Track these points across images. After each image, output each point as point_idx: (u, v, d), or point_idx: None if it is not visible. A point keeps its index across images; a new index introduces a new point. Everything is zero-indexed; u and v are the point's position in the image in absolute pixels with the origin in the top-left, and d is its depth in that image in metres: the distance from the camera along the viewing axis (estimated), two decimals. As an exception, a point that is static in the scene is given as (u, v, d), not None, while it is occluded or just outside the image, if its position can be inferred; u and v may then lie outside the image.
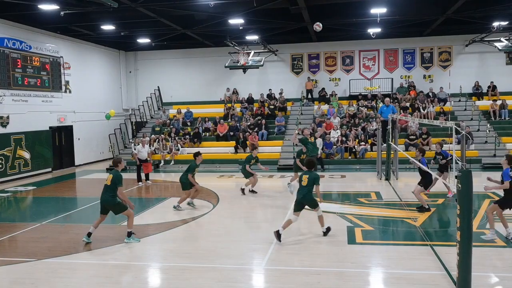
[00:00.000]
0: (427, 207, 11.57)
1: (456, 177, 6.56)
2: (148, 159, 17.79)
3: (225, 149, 22.56)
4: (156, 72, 28.44)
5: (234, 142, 22.44)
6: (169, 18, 20.12)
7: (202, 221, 11.41)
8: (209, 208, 12.75)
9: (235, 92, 27.32)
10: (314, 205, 9.43)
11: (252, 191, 14.72)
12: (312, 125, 22.61)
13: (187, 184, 12.34)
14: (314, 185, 9.35)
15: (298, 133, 15.47)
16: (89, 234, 9.43)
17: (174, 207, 12.47)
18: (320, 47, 26.72)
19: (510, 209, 9.10)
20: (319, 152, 20.48)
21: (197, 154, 12.54)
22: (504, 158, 9.15)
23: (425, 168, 11.14)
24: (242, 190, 14.70)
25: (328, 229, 9.56)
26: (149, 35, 24.15)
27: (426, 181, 11.63)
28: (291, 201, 13.38)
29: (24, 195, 16.28)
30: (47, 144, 21.03)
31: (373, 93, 25.75)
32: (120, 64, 28.50)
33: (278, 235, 9.09)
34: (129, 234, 9.48)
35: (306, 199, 9.35)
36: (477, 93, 24.77)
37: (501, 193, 13.71)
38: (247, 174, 14.58)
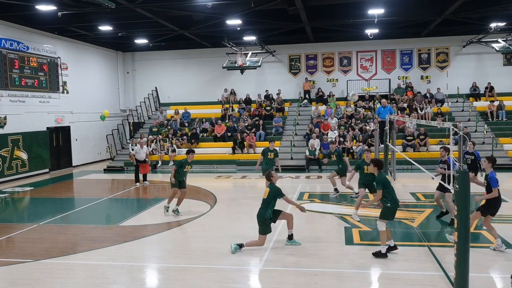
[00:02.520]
0: (444, 210, 10.85)
1: (453, 177, 6.57)
2: (146, 159, 17.77)
3: (223, 149, 22.56)
4: (154, 73, 28.42)
5: (232, 143, 22.43)
6: (167, 19, 20.10)
7: (200, 221, 11.40)
8: (207, 208, 12.74)
9: (232, 92, 27.32)
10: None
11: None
12: (310, 126, 22.66)
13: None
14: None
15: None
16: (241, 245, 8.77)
17: None
18: (318, 48, 26.74)
19: (493, 216, 8.59)
20: (316, 153, 20.53)
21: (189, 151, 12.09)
22: (486, 161, 8.57)
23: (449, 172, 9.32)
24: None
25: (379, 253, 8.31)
26: (147, 35, 24.13)
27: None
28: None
29: (22, 195, 16.24)
30: (44, 145, 20.99)
31: (370, 94, 25.78)
32: (117, 64, 28.47)
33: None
34: (291, 237, 9.07)
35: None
36: (475, 94, 24.81)
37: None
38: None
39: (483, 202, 8.60)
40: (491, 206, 8.46)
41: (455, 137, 17.66)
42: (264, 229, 8.66)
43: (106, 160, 24.68)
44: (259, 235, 8.68)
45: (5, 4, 16.88)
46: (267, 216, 8.63)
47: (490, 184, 8.29)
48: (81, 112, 24.00)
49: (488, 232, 9.01)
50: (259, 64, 22.45)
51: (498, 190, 8.28)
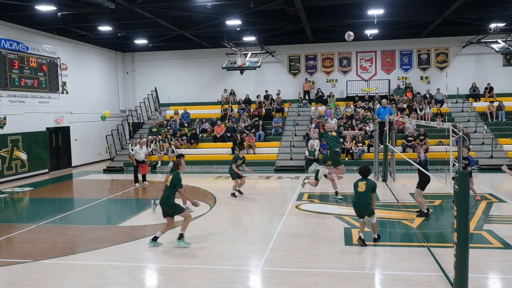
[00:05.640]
0: (425, 211, 11.19)
1: (453, 178, 6.57)
2: (145, 160, 17.75)
3: (222, 150, 22.55)
4: (153, 73, 28.42)
5: (231, 143, 22.42)
6: (166, 19, 20.11)
7: (199, 222, 11.39)
8: (206, 209, 12.73)
9: (232, 93, 27.32)
10: (370, 214, 9.01)
11: (239, 191, 14.45)
12: (309, 126, 22.64)
13: (234, 174, 14.13)
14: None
15: (316, 126, 15.49)
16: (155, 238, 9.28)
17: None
18: (317, 48, 26.75)
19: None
20: (316, 154, 20.50)
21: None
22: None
23: (421, 168, 10.79)
24: (233, 194, 14.34)
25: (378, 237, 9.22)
26: (146, 36, 24.13)
27: (423, 181, 11.04)
28: (288, 202, 13.41)
29: (21, 196, 16.23)
30: (44, 145, 20.97)
31: (370, 94, 25.78)
32: (117, 65, 28.47)
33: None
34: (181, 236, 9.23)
35: (364, 208, 9.02)
36: (474, 94, 24.82)
37: (499, 194, 13.79)
38: (234, 175, 14.23)
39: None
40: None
41: (455, 138, 17.66)
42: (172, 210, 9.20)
43: (106, 161, 24.66)
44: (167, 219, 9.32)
45: (5, 4, 16.89)
46: (171, 202, 9.14)
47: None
48: (81, 112, 23.99)
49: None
50: (259, 64, 22.45)
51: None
